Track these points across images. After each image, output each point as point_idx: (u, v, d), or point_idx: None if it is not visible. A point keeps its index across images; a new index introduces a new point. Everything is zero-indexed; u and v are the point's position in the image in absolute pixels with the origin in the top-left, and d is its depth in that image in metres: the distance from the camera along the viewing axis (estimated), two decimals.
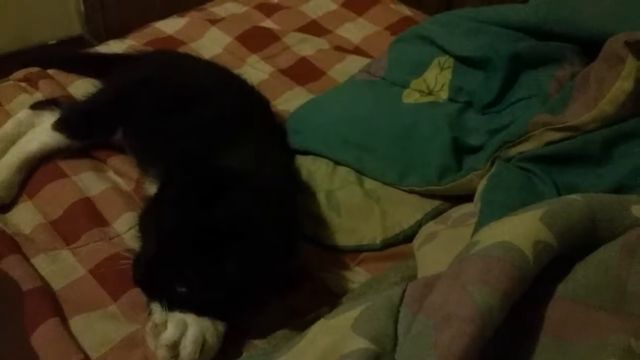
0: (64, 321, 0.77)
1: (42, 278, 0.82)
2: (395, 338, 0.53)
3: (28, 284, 0.80)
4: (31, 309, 0.77)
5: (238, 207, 0.73)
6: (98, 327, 0.77)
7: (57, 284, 0.82)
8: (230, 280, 0.71)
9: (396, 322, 0.54)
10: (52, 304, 0.78)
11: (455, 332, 0.45)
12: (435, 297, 0.51)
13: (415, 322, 0.51)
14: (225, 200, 0.73)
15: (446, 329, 0.46)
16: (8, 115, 1.08)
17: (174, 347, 0.69)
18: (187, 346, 0.69)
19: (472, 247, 0.55)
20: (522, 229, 0.54)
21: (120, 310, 0.79)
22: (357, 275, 0.84)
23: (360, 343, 0.51)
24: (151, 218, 0.77)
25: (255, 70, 1.25)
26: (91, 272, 0.84)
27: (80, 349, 0.73)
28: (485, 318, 0.46)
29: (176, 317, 0.71)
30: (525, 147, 0.83)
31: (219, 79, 1.06)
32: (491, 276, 0.49)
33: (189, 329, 0.70)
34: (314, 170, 0.99)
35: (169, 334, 0.69)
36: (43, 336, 0.74)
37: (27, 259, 0.85)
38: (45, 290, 0.80)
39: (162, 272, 0.72)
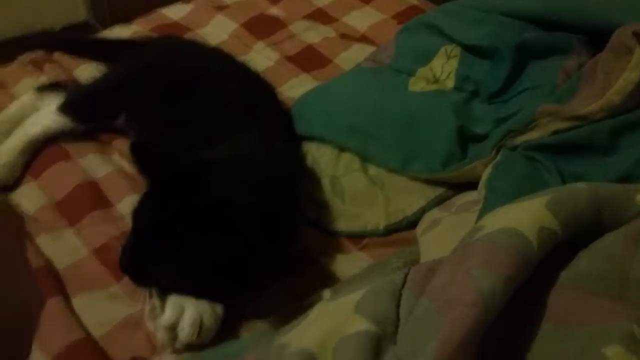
0: (67, 299, 0.78)
1: (45, 257, 0.83)
2: (397, 321, 0.52)
3: (32, 263, 0.81)
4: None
5: (221, 193, 0.73)
6: (100, 306, 0.78)
7: (60, 264, 0.83)
8: (209, 265, 0.71)
9: (398, 305, 0.54)
10: (56, 283, 0.79)
11: (458, 315, 0.45)
12: (438, 280, 0.51)
13: (418, 306, 0.51)
14: (207, 187, 0.73)
15: (449, 312, 0.46)
16: (13, 97, 1.08)
17: (172, 329, 0.69)
18: (185, 328, 0.69)
19: (476, 233, 0.55)
20: (527, 215, 0.54)
21: (122, 291, 0.80)
22: (360, 260, 0.84)
23: (362, 325, 0.51)
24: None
25: (261, 57, 1.25)
26: (94, 252, 0.84)
27: (82, 327, 0.74)
28: (487, 302, 0.46)
29: (173, 299, 0.72)
30: (531, 135, 0.82)
31: (223, 66, 1.06)
32: (495, 261, 0.49)
33: (186, 311, 0.70)
34: (319, 156, 0.99)
35: (167, 316, 0.70)
36: (47, 313, 0.74)
37: (31, 239, 0.85)
38: (49, 269, 0.81)
39: (143, 259, 0.73)
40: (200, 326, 0.70)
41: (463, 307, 0.45)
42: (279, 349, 0.54)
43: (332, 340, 0.50)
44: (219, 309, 0.73)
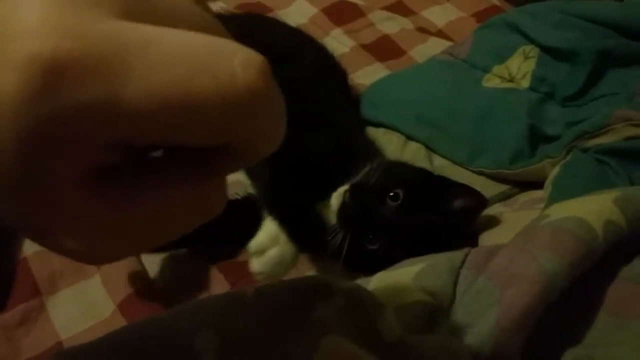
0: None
1: None
2: (453, 297, 0.54)
3: None
4: None
5: None
6: (165, 262, 0.82)
7: None
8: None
9: (455, 283, 0.55)
10: None
11: (520, 290, 0.46)
12: (500, 260, 0.52)
13: (477, 283, 0.52)
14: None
15: (510, 287, 0.47)
16: None
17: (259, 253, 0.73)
18: (264, 262, 0.72)
19: (541, 220, 0.55)
20: (595, 208, 0.54)
21: (186, 250, 0.83)
22: None
23: (419, 295, 0.53)
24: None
25: (337, 43, 1.26)
26: None
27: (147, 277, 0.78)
28: (550, 282, 0.47)
29: (270, 229, 0.74)
30: (604, 139, 0.81)
31: (303, 44, 1.08)
32: (559, 246, 0.49)
33: (271, 249, 0.73)
34: (385, 142, 1.00)
35: (259, 241, 0.73)
36: (115, 263, 0.78)
37: None
38: None
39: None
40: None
41: (525, 283, 0.46)
42: None
43: (390, 306, 0.52)
44: (296, 259, 0.75)
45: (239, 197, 0.84)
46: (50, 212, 0.21)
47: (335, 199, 0.76)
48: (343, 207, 0.75)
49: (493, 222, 0.82)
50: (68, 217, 0.22)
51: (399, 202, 0.74)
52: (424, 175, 0.83)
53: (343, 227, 0.74)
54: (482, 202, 0.79)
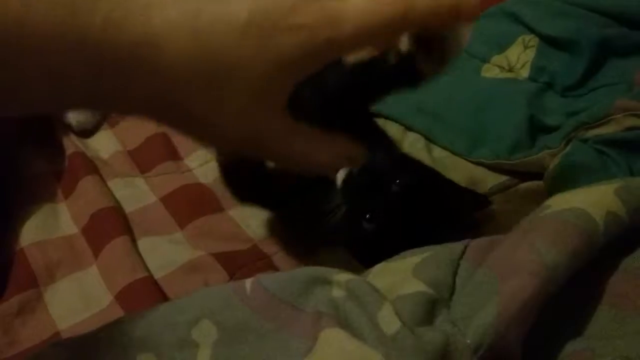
0: (133, 241, 0.81)
1: (115, 200, 0.87)
2: (453, 288, 0.53)
3: (102, 204, 0.85)
4: (104, 225, 0.81)
5: None
6: (164, 250, 0.81)
7: (128, 207, 0.87)
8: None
9: (455, 274, 0.55)
10: (124, 224, 0.83)
11: (520, 282, 0.46)
12: (500, 251, 0.52)
13: (477, 274, 0.51)
14: None
15: (511, 279, 0.47)
16: None
17: None
18: None
19: (541, 211, 0.55)
20: (596, 199, 0.53)
21: (185, 238, 0.83)
22: None
23: (418, 286, 0.52)
24: None
25: None
26: (162, 200, 0.88)
27: (145, 267, 0.77)
28: (550, 274, 0.46)
29: None
30: (604, 130, 0.81)
31: None
32: (560, 237, 0.49)
33: None
34: None
35: None
36: (114, 250, 0.78)
37: (103, 181, 0.90)
38: (118, 211, 0.85)
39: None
40: None
41: (525, 275, 0.46)
42: None
43: (390, 297, 0.52)
44: None
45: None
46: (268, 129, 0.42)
47: (343, 171, 0.75)
48: (349, 178, 0.74)
49: (492, 214, 0.82)
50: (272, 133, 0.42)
51: (404, 190, 0.73)
52: (434, 175, 0.82)
53: (345, 196, 0.73)
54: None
